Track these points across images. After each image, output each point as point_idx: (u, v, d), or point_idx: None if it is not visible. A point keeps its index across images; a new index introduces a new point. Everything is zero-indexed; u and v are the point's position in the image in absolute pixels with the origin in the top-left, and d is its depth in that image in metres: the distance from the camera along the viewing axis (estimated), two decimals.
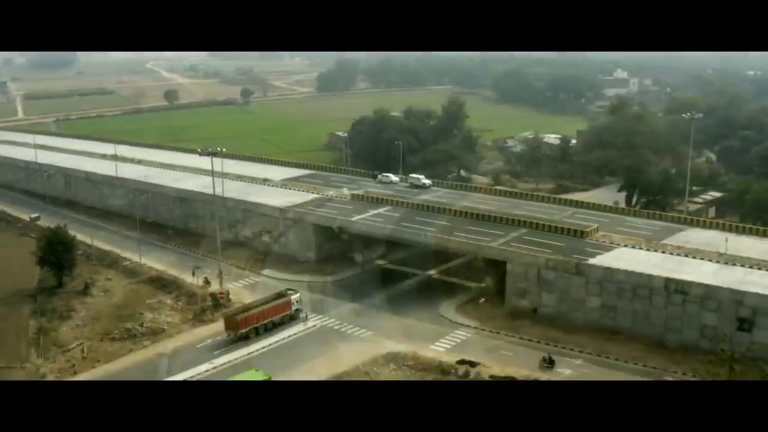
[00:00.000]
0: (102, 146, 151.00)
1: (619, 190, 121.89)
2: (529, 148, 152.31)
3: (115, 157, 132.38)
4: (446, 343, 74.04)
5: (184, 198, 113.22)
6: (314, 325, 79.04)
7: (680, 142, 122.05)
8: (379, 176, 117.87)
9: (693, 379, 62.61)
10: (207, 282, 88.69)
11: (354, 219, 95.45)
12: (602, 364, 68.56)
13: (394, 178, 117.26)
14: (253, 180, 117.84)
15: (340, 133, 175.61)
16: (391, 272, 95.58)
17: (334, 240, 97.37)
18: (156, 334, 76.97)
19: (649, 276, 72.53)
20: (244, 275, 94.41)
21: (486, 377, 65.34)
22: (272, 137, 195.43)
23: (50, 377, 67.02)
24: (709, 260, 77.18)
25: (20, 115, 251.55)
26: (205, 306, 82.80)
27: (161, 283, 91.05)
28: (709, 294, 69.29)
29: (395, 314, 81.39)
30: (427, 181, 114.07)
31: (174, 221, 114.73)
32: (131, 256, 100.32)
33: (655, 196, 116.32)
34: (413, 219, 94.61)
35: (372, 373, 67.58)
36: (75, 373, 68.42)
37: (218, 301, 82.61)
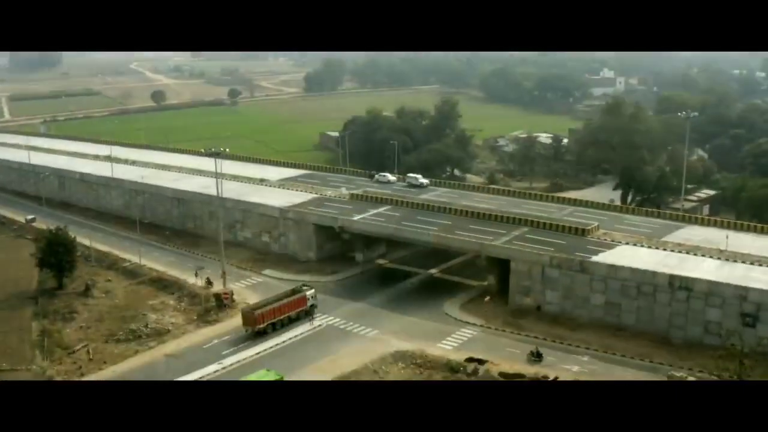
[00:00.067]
0: (94, 147, 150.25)
1: (615, 189, 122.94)
2: (522, 147, 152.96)
3: (109, 158, 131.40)
4: (453, 341, 74.37)
5: (182, 199, 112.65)
6: (320, 325, 79.10)
7: (675, 140, 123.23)
8: (377, 176, 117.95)
9: (701, 374, 63.51)
10: (209, 282, 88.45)
11: (355, 218, 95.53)
12: (609, 360, 69.19)
13: (391, 177, 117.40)
14: (250, 180, 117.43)
15: (331, 133, 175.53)
16: (392, 271, 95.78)
17: (334, 240, 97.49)
18: (161, 335, 76.67)
19: (653, 273, 73.23)
20: (245, 275, 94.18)
21: (495, 374, 65.77)
22: (263, 137, 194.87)
23: (57, 379, 66.27)
24: (711, 257, 78.10)
25: (7, 116, 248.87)
26: (209, 306, 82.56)
27: (162, 284, 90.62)
28: (713, 290, 70.12)
29: (399, 313, 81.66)
30: (425, 181, 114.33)
31: (171, 222, 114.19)
32: (130, 257, 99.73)
33: (650, 194, 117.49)
34: (414, 218, 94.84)
35: (381, 372, 67.74)
36: (82, 375, 67.92)
37: (222, 302, 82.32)
